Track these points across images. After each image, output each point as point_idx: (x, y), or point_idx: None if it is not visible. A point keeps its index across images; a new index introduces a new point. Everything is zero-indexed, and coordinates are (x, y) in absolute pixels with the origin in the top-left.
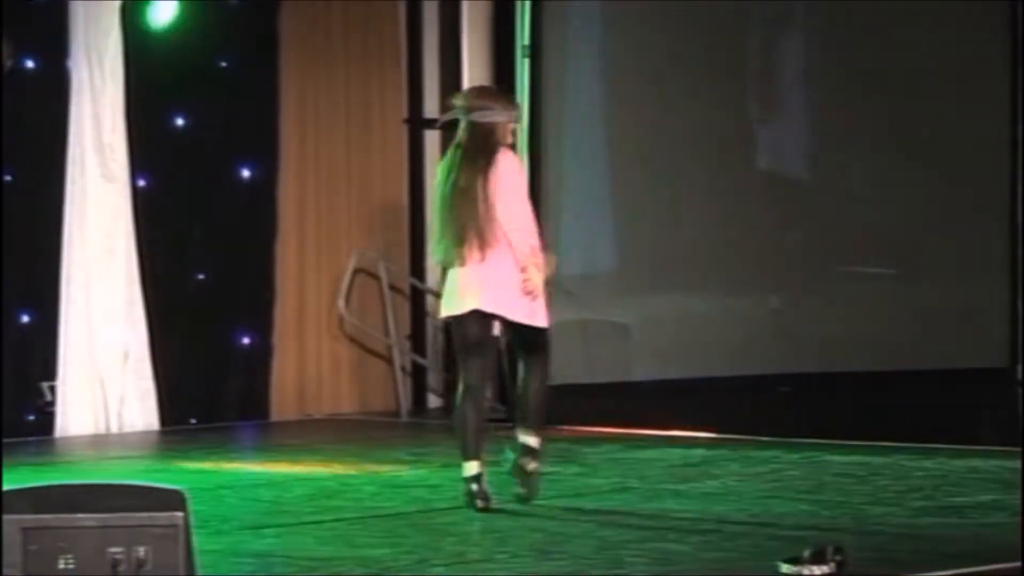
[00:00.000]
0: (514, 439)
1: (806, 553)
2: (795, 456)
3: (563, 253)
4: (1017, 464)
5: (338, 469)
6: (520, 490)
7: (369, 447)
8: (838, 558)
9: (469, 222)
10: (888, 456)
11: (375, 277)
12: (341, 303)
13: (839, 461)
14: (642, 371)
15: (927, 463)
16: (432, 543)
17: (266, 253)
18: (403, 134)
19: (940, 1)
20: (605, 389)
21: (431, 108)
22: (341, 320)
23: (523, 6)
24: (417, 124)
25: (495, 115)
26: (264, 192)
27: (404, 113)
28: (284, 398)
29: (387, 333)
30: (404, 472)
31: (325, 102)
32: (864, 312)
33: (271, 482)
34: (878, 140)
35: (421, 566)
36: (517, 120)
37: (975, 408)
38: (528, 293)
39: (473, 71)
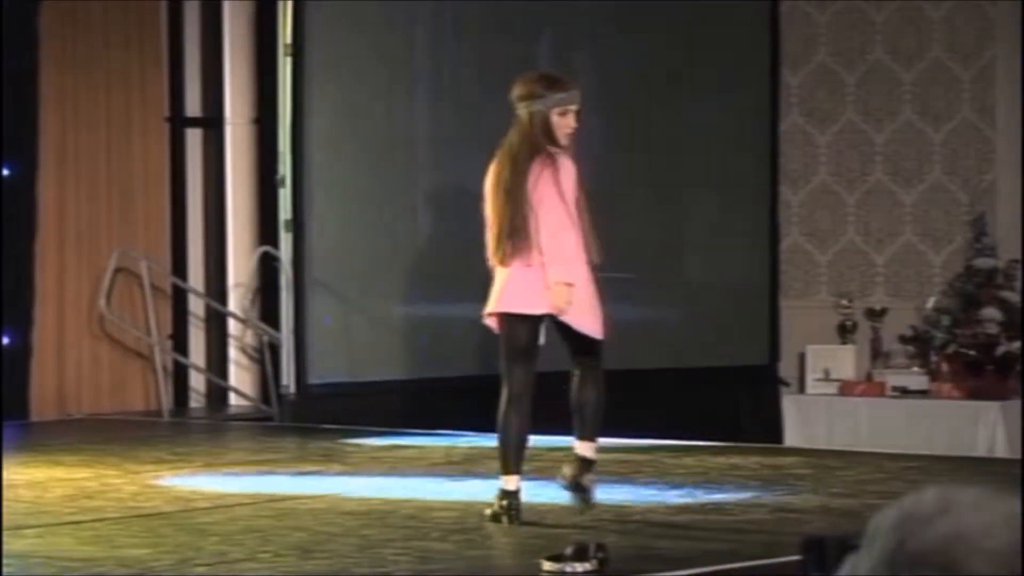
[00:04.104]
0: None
1: (568, 550)
2: (557, 453)
3: (323, 249)
4: (776, 460)
5: (99, 469)
6: (578, 504)
7: (130, 447)
8: (600, 555)
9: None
10: (649, 453)
11: (137, 276)
12: (102, 302)
13: (600, 458)
14: (405, 370)
15: (687, 460)
16: (194, 542)
17: (25, 252)
18: (165, 132)
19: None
20: (367, 388)
21: (192, 107)
22: (102, 319)
23: (285, 5)
24: (178, 122)
25: (538, 104)
26: (23, 191)
27: (166, 112)
28: (44, 398)
29: (149, 332)
30: (165, 472)
31: (85, 100)
32: (627, 311)
33: (31, 482)
34: (644, 144)
35: (183, 566)
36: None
37: (735, 405)
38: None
39: (235, 70)
